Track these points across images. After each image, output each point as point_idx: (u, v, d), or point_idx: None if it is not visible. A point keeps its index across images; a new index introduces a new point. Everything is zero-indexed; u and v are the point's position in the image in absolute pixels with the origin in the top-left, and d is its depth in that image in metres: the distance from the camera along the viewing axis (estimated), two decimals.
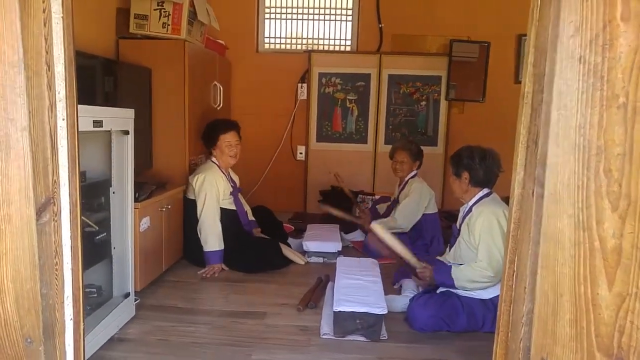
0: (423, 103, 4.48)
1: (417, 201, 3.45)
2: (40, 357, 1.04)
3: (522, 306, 0.91)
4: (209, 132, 3.24)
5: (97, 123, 1.85)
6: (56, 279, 1.06)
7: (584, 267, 0.77)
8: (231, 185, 3.29)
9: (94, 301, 2.10)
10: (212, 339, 2.18)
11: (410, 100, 4.48)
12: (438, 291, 2.45)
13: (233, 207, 3.28)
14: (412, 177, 3.57)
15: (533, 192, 0.88)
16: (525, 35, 4.28)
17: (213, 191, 3.09)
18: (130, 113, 2.16)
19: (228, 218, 3.19)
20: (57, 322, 1.08)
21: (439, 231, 3.60)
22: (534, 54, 0.91)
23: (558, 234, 0.79)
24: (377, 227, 2.53)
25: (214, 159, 3.25)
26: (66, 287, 1.09)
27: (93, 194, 2.10)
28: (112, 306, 2.11)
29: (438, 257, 2.76)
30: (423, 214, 3.52)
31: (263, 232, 3.48)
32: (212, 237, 3.04)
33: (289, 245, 3.48)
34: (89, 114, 1.81)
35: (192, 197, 3.13)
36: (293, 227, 3.91)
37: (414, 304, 2.36)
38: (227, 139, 3.21)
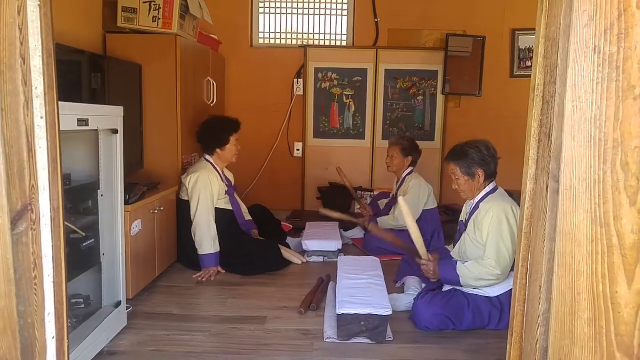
0: (420, 98, 4.42)
1: (415, 199, 3.39)
2: None
3: (537, 305, 0.88)
4: (217, 133, 3.08)
5: (83, 122, 1.74)
6: (35, 294, 0.96)
7: (602, 264, 0.74)
8: (226, 184, 3.18)
9: (81, 312, 1.98)
10: (210, 348, 2.08)
11: (407, 95, 4.41)
12: (444, 289, 2.38)
13: (229, 207, 3.18)
14: (408, 174, 3.50)
15: (547, 187, 0.85)
16: (519, 29, 4.31)
17: (207, 191, 2.98)
18: (119, 111, 2.04)
19: (224, 218, 3.09)
20: (37, 341, 0.98)
21: (439, 226, 3.57)
22: (545, 45, 0.88)
23: (574, 230, 0.77)
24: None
25: (207, 157, 3.14)
26: (47, 302, 1.00)
27: (79, 198, 1.99)
28: (102, 317, 1.99)
29: (446, 247, 2.67)
30: (423, 210, 3.46)
31: (261, 231, 3.38)
32: (206, 240, 2.94)
33: (287, 245, 3.39)
34: (73, 111, 1.69)
35: (186, 198, 3.02)
36: (291, 226, 3.82)
37: (418, 302, 2.29)
38: (236, 138, 3.13)
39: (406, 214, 2.38)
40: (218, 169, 3.14)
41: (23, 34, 0.93)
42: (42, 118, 0.97)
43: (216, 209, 3.05)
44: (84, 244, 1.94)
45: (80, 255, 1.94)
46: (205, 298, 2.66)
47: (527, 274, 0.95)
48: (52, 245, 1.00)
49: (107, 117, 1.95)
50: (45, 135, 0.98)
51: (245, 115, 4.01)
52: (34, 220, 0.96)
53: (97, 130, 1.90)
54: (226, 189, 3.17)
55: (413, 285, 2.62)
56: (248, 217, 3.39)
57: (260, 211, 3.59)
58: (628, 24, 0.70)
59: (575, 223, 0.76)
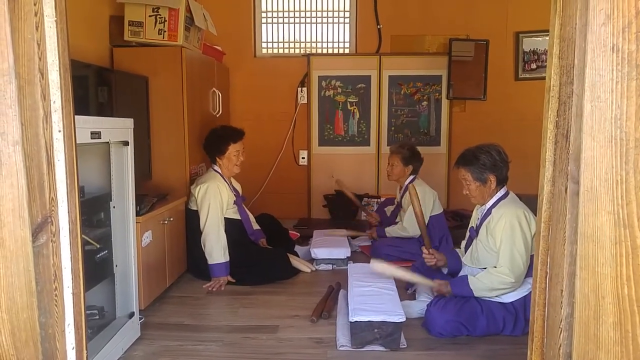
0: (424, 103, 4.42)
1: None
2: None
3: (559, 310, 0.86)
4: (217, 141, 3.12)
5: (95, 134, 1.76)
6: (56, 305, 0.97)
7: (627, 266, 0.73)
8: (234, 194, 3.19)
9: (95, 324, 1.98)
10: (223, 357, 2.08)
11: (412, 100, 4.42)
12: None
13: (237, 217, 3.19)
14: (410, 182, 3.50)
15: (566, 189, 0.83)
16: (523, 32, 4.32)
17: (216, 201, 2.99)
18: (129, 123, 2.06)
19: (233, 228, 3.09)
20: (58, 352, 0.99)
21: (446, 231, 3.56)
22: (560, 45, 0.87)
23: (597, 232, 0.75)
24: (377, 265, 2.47)
25: (216, 167, 3.15)
26: (67, 313, 1.00)
27: (92, 210, 2.00)
28: (116, 328, 1.99)
29: (456, 249, 2.67)
30: (429, 216, 3.45)
31: (269, 240, 3.38)
32: (216, 249, 2.93)
33: (296, 254, 3.39)
34: (86, 124, 1.71)
35: (195, 208, 3.03)
36: (299, 234, 3.82)
37: (431, 308, 2.28)
38: (237, 148, 3.11)
39: (387, 272, 2.46)
40: (226, 178, 3.15)
41: (41, 49, 0.94)
42: (60, 131, 0.98)
43: (225, 218, 3.05)
44: (98, 256, 1.95)
45: (95, 267, 1.94)
46: (216, 308, 2.66)
47: (546, 277, 0.93)
48: (71, 257, 1.01)
49: (118, 129, 1.97)
50: (63, 148, 0.99)
51: (250, 124, 4.05)
52: (53, 232, 0.97)
53: (108, 142, 1.92)
54: (234, 198, 3.18)
55: (424, 292, 2.60)
56: (256, 226, 3.39)
57: (267, 220, 3.59)
58: None
59: (597, 225, 0.75)
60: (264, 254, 3.13)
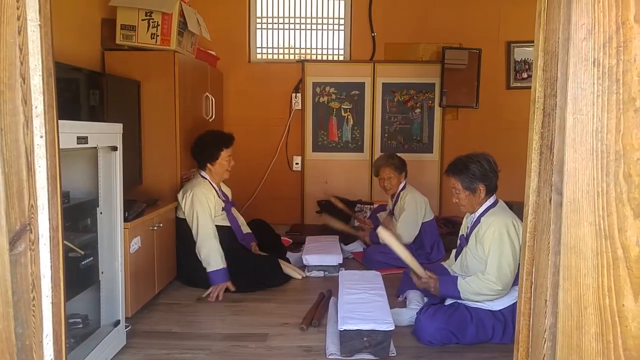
0: (417, 110, 4.44)
1: (414, 214, 3.40)
2: None
3: (543, 320, 0.86)
4: (208, 147, 3.06)
5: (82, 139, 1.73)
6: (33, 315, 0.95)
7: (608, 277, 0.74)
8: (223, 200, 3.15)
9: (78, 332, 1.95)
10: None
11: (405, 108, 4.43)
12: (446, 302, 2.36)
13: (227, 223, 3.15)
14: (402, 189, 3.50)
15: (550, 200, 0.84)
16: (514, 42, 4.36)
17: (204, 208, 2.93)
18: (118, 128, 2.04)
19: (222, 235, 3.04)
20: None
21: (438, 237, 3.57)
22: (544, 58, 0.89)
23: (579, 243, 0.77)
24: (383, 232, 2.44)
25: (203, 173, 3.10)
26: (45, 324, 0.98)
27: (78, 216, 1.97)
28: (100, 336, 1.96)
29: (442, 263, 2.66)
30: (422, 223, 3.45)
31: (260, 245, 3.35)
32: (213, 256, 2.86)
33: (287, 260, 3.37)
34: (72, 129, 1.69)
35: (182, 217, 2.99)
36: (291, 240, 3.80)
37: (421, 316, 2.27)
38: (229, 153, 3.08)
39: (389, 241, 2.42)
40: (214, 185, 3.11)
41: (23, 53, 0.93)
42: (41, 137, 0.97)
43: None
44: (83, 263, 1.92)
45: (79, 274, 1.91)
46: (205, 315, 2.63)
47: (531, 287, 0.94)
48: (51, 266, 0.99)
49: (106, 134, 1.95)
50: (45, 154, 0.97)
51: (244, 130, 4.04)
52: (32, 240, 0.95)
53: (96, 147, 1.90)
54: (223, 205, 3.13)
55: (415, 299, 2.59)
56: (247, 229, 3.35)
57: (259, 225, 3.56)
58: (626, 36, 0.71)
59: (579, 236, 0.76)
60: (255, 260, 3.10)
